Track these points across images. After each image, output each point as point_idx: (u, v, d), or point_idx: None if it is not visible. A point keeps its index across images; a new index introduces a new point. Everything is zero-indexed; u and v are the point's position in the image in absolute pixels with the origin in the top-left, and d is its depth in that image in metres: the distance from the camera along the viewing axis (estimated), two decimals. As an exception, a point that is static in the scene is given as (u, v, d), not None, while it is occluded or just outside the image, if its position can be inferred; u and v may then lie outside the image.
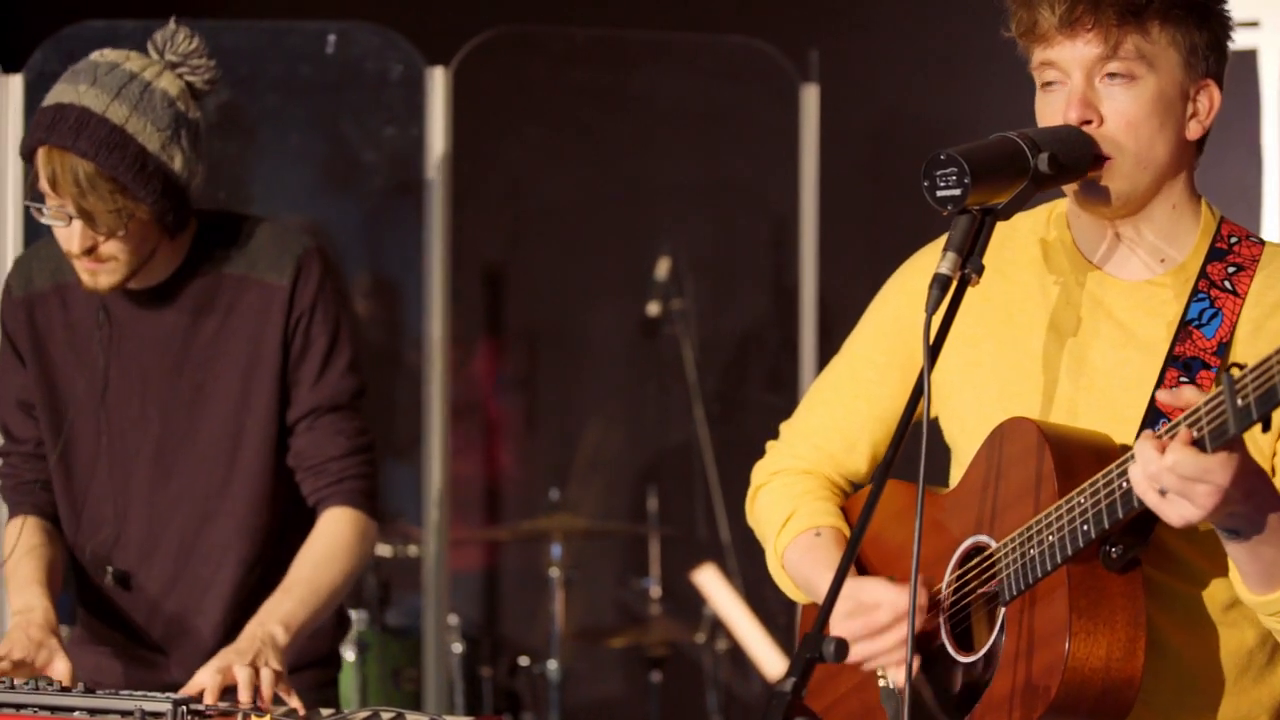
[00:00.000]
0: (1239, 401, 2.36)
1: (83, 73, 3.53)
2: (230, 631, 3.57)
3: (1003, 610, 2.71)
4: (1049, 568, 2.63)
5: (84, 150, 3.44)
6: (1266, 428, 2.36)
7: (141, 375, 3.68)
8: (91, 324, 3.68)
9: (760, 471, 3.17)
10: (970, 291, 2.84)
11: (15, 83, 5.51)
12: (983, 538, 2.77)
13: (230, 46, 5.91)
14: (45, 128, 3.48)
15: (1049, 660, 2.62)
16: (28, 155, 3.53)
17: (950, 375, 2.92)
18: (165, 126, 3.51)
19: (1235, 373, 2.37)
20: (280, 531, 3.70)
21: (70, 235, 3.50)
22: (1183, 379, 2.70)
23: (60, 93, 3.52)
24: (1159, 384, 2.72)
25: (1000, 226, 2.90)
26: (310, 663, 3.75)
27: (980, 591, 2.76)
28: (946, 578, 2.81)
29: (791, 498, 3.07)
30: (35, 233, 5.13)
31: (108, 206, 3.45)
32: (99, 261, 3.52)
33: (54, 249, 3.68)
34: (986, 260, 2.87)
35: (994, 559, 2.73)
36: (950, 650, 2.79)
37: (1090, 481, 2.60)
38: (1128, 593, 2.63)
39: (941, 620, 2.80)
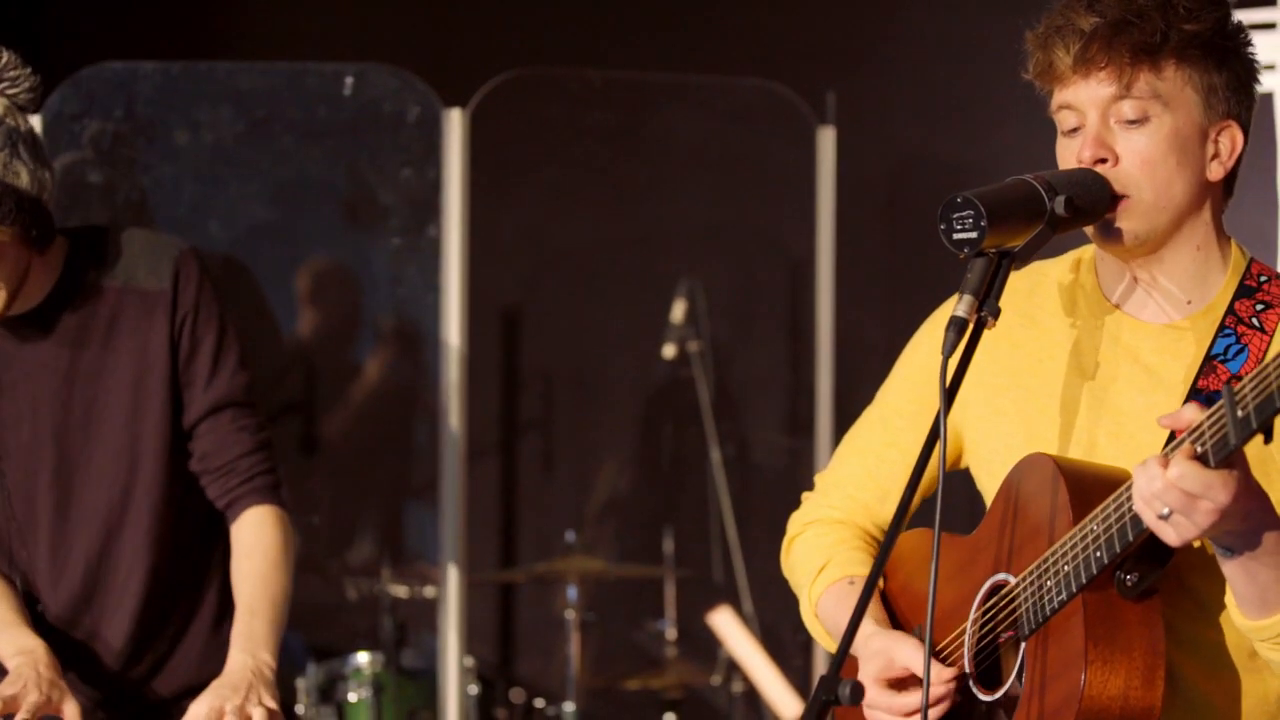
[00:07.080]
0: (1239, 412, 2.35)
1: None
2: (136, 647, 3.58)
3: (1022, 645, 2.70)
4: (1065, 598, 2.62)
5: None
6: (1269, 438, 2.35)
7: (31, 402, 3.64)
8: None
9: (795, 522, 3.16)
10: (999, 339, 2.83)
11: (34, 123, 5.49)
12: (1002, 575, 2.76)
13: (247, 88, 5.93)
14: None
15: (1065, 691, 2.59)
16: None
17: (977, 423, 2.92)
18: (1, 147, 3.49)
19: (1235, 385, 2.36)
20: (185, 537, 3.69)
21: None
22: None
23: None
24: None
25: (1029, 274, 2.91)
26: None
27: (1000, 629, 2.75)
28: (970, 618, 2.79)
29: (825, 547, 3.07)
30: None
31: None
32: None
33: None
34: (1016, 308, 2.86)
35: (1013, 595, 2.72)
36: (975, 691, 2.78)
37: (1102, 507, 2.58)
38: (1146, 621, 2.60)
39: (967, 661, 2.79)
